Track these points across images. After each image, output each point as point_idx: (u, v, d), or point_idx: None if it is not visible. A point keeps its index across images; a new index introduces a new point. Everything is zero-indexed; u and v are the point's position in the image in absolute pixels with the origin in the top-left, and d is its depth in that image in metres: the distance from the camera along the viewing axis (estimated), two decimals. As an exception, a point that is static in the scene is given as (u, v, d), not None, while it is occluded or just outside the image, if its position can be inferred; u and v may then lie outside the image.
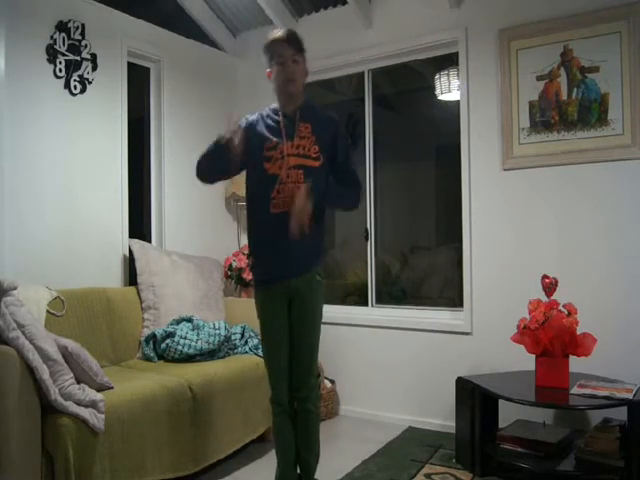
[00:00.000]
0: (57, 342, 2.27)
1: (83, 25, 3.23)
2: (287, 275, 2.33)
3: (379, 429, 3.49)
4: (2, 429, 2.06)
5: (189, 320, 3.25)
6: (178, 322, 3.25)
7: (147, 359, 3.10)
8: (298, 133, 2.33)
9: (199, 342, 3.06)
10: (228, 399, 2.87)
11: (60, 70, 3.12)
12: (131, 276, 3.44)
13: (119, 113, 3.46)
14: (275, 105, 2.40)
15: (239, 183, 4.05)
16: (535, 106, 3.22)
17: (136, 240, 3.45)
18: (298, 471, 2.46)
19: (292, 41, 2.32)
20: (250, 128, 2.36)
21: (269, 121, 2.38)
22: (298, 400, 2.41)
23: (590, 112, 3.07)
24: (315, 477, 2.47)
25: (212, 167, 2.39)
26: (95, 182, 3.32)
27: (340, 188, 2.39)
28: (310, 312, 2.38)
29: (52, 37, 3.08)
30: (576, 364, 2.75)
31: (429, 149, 4.88)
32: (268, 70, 2.35)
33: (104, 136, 3.38)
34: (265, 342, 2.44)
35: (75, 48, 3.19)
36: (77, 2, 3.23)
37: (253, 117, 2.41)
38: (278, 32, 2.34)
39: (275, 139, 2.33)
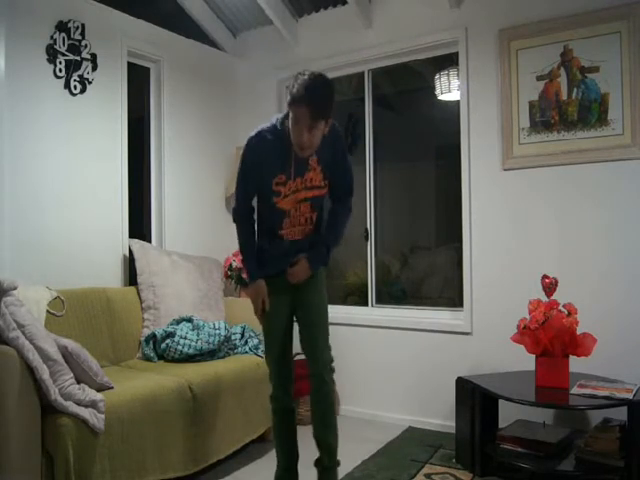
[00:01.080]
0: (57, 342, 2.27)
1: (83, 25, 3.23)
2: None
3: (379, 429, 3.49)
4: (2, 429, 2.06)
5: (189, 320, 3.25)
6: (178, 322, 3.25)
7: (147, 359, 3.10)
8: (307, 167, 2.29)
9: (199, 342, 3.06)
10: (228, 399, 2.87)
11: (60, 70, 3.12)
12: (131, 276, 3.44)
13: (119, 113, 3.46)
14: (286, 122, 2.21)
15: (239, 183, 4.06)
16: (535, 106, 3.22)
17: (136, 240, 3.45)
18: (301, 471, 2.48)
19: (314, 103, 2.07)
20: (261, 148, 2.25)
21: (278, 149, 2.24)
22: (311, 375, 2.41)
23: (590, 112, 3.07)
24: (338, 458, 2.45)
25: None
26: (95, 182, 3.32)
27: (335, 224, 2.46)
28: (314, 302, 2.42)
29: (52, 37, 3.08)
30: (576, 364, 2.75)
31: (429, 149, 4.87)
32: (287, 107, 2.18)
33: (104, 136, 3.38)
34: (265, 334, 2.48)
35: (75, 48, 3.19)
36: (77, 2, 3.23)
37: (260, 144, 2.26)
38: (303, 81, 2.06)
39: (284, 175, 2.26)
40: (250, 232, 2.43)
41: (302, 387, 2.79)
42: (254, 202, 2.44)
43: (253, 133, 2.28)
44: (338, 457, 2.45)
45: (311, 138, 2.14)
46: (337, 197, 2.46)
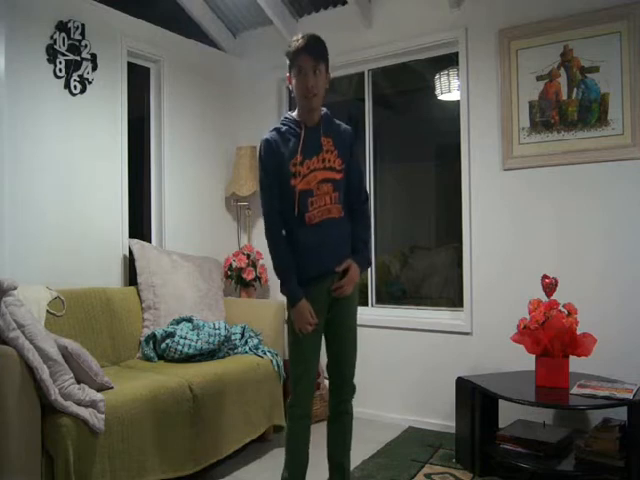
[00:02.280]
0: (57, 342, 2.27)
1: (83, 25, 3.23)
2: (331, 272, 2.31)
3: (379, 429, 3.48)
4: (2, 429, 2.05)
5: (189, 320, 3.25)
6: (178, 322, 3.25)
7: (147, 359, 3.10)
8: (323, 147, 2.29)
9: (199, 342, 3.06)
10: (228, 399, 2.87)
11: (60, 70, 3.13)
12: (131, 276, 3.44)
13: (119, 113, 3.46)
14: (293, 115, 2.33)
15: (239, 183, 4.06)
16: (535, 106, 3.22)
17: (136, 240, 3.45)
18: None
19: (313, 49, 2.23)
20: (276, 150, 2.28)
21: (291, 137, 2.29)
22: (339, 402, 2.42)
23: (590, 112, 3.07)
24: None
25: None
26: (95, 182, 3.32)
27: (361, 225, 2.41)
28: (347, 312, 2.41)
29: (52, 37, 3.08)
30: (576, 364, 2.75)
31: (429, 149, 4.87)
32: (288, 74, 2.30)
33: (104, 136, 3.38)
34: (296, 345, 2.35)
35: (75, 48, 3.20)
36: (77, 2, 3.23)
37: (274, 138, 2.30)
38: (299, 40, 2.24)
39: (300, 156, 2.25)
40: (285, 246, 2.28)
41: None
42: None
43: (266, 134, 2.33)
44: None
45: (316, 82, 2.24)
46: (352, 203, 2.39)
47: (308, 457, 2.43)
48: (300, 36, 2.27)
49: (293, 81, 2.27)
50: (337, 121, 2.41)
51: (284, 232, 2.32)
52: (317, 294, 2.29)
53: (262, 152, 2.30)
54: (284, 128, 2.31)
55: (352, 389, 2.46)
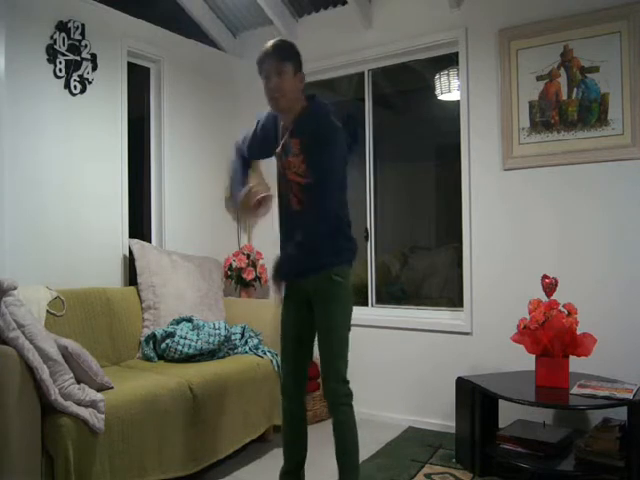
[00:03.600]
0: (57, 342, 2.27)
1: (83, 25, 3.23)
2: (298, 276, 2.34)
3: (379, 429, 3.48)
4: (2, 429, 2.05)
5: (189, 320, 3.25)
6: (178, 322, 3.25)
7: (147, 359, 3.09)
8: (291, 149, 2.28)
9: (199, 342, 3.06)
10: (228, 399, 2.87)
11: (60, 70, 3.12)
12: (131, 276, 3.44)
13: (119, 113, 3.46)
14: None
15: (239, 183, 4.06)
16: (535, 106, 3.22)
17: (136, 240, 3.45)
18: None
19: (276, 51, 2.22)
20: (272, 122, 2.38)
21: (277, 124, 2.37)
22: (328, 404, 2.37)
23: (590, 112, 3.07)
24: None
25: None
26: (95, 182, 3.32)
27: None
28: (324, 313, 2.33)
29: (52, 37, 3.08)
30: (576, 364, 2.75)
31: (429, 149, 4.87)
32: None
33: (104, 136, 3.38)
34: (280, 336, 2.48)
35: (75, 48, 3.19)
36: (77, 2, 3.23)
37: (275, 115, 2.37)
38: (263, 47, 2.26)
39: (279, 149, 2.33)
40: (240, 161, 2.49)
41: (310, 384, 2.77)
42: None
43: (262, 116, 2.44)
44: None
45: (280, 83, 2.20)
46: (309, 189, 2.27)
47: (294, 438, 2.44)
48: (271, 41, 2.28)
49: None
50: (324, 116, 2.26)
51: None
52: (290, 291, 2.39)
53: (263, 114, 2.41)
54: (272, 114, 2.39)
55: (333, 392, 2.31)
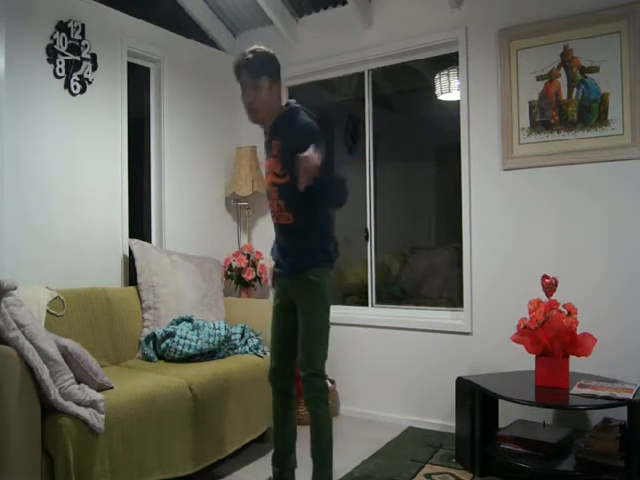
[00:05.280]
0: (57, 342, 2.27)
1: (83, 25, 3.23)
2: (283, 274, 2.49)
3: (379, 429, 3.49)
4: (2, 429, 2.05)
5: (189, 320, 3.25)
6: (178, 322, 3.25)
7: (147, 359, 3.09)
8: (271, 150, 2.38)
9: (199, 342, 3.06)
10: (228, 399, 2.87)
11: (60, 70, 3.12)
12: (131, 276, 3.44)
13: (119, 113, 3.46)
14: None
15: (239, 183, 4.06)
16: (535, 106, 3.22)
17: (136, 240, 3.45)
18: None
19: (251, 66, 2.25)
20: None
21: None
22: (304, 398, 2.43)
23: (590, 112, 3.07)
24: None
25: None
26: (95, 182, 3.32)
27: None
28: (303, 310, 2.42)
29: (52, 37, 3.08)
30: (576, 364, 2.75)
31: (429, 149, 4.87)
32: None
33: (104, 136, 3.38)
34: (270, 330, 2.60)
35: (75, 48, 3.19)
36: (77, 2, 3.23)
37: None
38: (241, 55, 2.31)
39: (265, 153, 2.48)
40: None
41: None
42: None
43: None
44: (335, 459, 2.45)
45: (256, 97, 2.28)
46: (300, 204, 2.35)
47: (283, 428, 2.54)
48: (247, 50, 2.31)
49: None
50: (300, 118, 2.31)
51: None
52: (279, 287, 2.53)
53: None
54: None
55: (308, 386, 2.38)
